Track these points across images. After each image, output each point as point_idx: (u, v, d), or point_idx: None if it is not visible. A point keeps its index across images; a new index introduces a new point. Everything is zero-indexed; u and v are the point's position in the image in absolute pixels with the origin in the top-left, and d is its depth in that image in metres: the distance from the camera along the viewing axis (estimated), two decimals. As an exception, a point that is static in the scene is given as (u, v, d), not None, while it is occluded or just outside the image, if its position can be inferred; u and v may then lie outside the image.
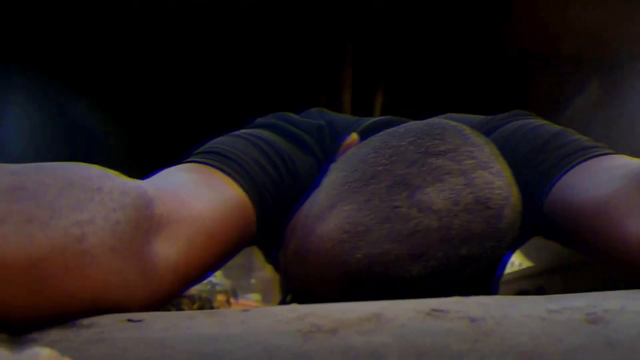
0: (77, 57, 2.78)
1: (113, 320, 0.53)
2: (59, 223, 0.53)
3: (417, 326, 0.47)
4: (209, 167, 0.93)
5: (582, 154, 0.90)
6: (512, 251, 0.87)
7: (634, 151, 0.97)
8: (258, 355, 0.45)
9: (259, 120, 1.19)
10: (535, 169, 0.95)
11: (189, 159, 0.96)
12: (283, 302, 1.07)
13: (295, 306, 0.55)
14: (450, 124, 0.81)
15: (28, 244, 0.50)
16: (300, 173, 1.07)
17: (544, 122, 1.07)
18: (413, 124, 0.83)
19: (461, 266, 0.73)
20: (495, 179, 0.75)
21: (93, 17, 2.68)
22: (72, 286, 0.54)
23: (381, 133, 0.84)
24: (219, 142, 1.02)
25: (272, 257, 1.21)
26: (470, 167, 0.75)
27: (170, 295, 0.73)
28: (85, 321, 0.53)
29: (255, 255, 1.28)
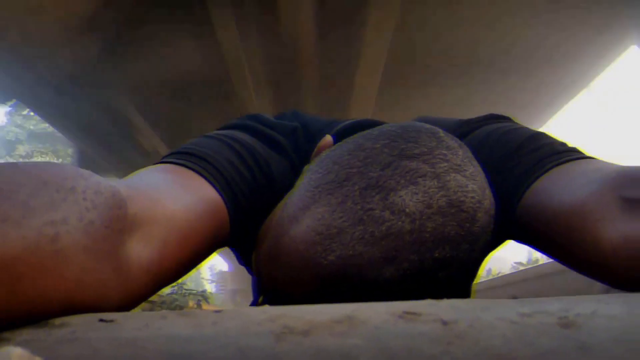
0: None
1: (85, 320, 0.53)
2: (32, 222, 0.53)
3: (390, 329, 0.47)
4: (182, 167, 0.93)
5: (556, 158, 0.91)
6: (486, 255, 0.88)
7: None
8: (230, 356, 0.45)
9: (233, 121, 1.19)
10: (510, 173, 0.95)
11: (163, 160, 0.96)
12: (255, 303, 1.07)
13: (267, 308, 0.55)
14: (425, 127, 0.81)
15: (1, 243, 0.50)
16: (274, 174, 1.07)
17: (519, 125, 1.08)
18: (387, 126, 0.83)
19: (434, 269, 0.74)
20: (468, 182, 0.76)
21: None
22: (46, 286, 0.54)
23: (355, 135, 0.84)
24: (193, 143, 1.02)
25: (246, 259, 1.21)
26: (444, 170, 0.75)
27: (144, 296, 0.73)
28: (57, 321, 0.53)
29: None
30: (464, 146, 0.83)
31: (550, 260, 1.00)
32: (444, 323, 0.48)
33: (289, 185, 0.90)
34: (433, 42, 6.25)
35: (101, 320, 0.52)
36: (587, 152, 0.93)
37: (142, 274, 0.70)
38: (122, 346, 0.47)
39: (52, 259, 0.54)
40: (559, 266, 0.92)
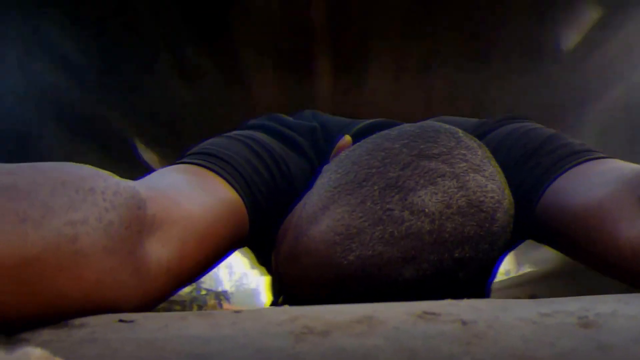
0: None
1: (105, 321, 0.53)
2: (52, 223, 0.53)
3: (409, 329, 0.47)
4: (201, 168, 0.93)
5: (574, 158, 0.90)
6: (505, 254, 0.87)
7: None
8: (249, 357, 0.45)
9: (252, 121, 1.20)
10: (528, 173, 0.95)
11: (181, 160, 0.97)
12: (275, 303, 1.07)
13: (287, 308, 0.54)
14: (444, 127, 0.81)
15: (21, 243, 0.50)
16: (293, 175, 1.07)
17: (538, 125, 1.07)
18: (406, 126, 0.83)
19: (454, 269, 0.73)
20: (488, 182, 0.76)
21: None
22: (65, 286, 0.54)
23: (374, 135, 0.84)
24: (212, 144, 1.02)
25: (264, 259, 1.22)
26: (463, 170, 0.75)
27: (163, 296, 0.73)
28: (77, 321, 0.53)
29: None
30: (483, 146, 0.83)
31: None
32: (464, 323, 0.47)
33: (307, 186, 0.90)
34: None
35: (121, 320, 0.52)
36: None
37: (161, 274, 0.70)
38: (141, 347, 0.47)
39: (71, 259, 0.54)
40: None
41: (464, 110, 2.34)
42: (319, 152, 1.15)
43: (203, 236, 0.80)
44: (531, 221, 0.93)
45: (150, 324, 0.51)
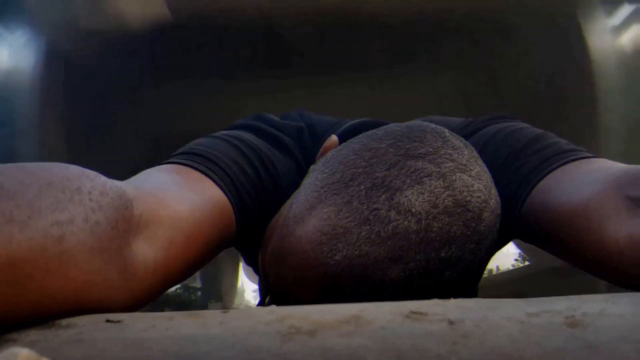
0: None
1: (92, 321, 0.53)
2: (38, 223, 0.53)
3: (396, 328, 0.47)
4: (188, 168, 0.93)
5: (561, 158, 0.90)
6: (492, 254, 0.87)
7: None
8: (237, 357, 0.45)
9: (239, 121, 1.19)
10: (515, 172, 0.95)
11: (168, 160, 0.97)
12: (262, 303, 1.07)
13: (274, 308, 0.54)
14: (430, 127, 0.81)
15: (7, 244, 0.50)
16: (280, 175, 1.07)
17: (524, 125, 1.07)
18: (393, 126, 0.83)
19: (440, 269, 0.73)
20: (474, 182, 0.76)
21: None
22: (52, 286, 0.54)
23: (361, 135, 0.84)
24: (199, 144, 1.02)
25: (252, 259, 1.21)
26: (450, 169, 0.75)
27: (151, 296, 0.72)
28: (64, 321, 0.53)
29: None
30: (470, 146, 0.83)
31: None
32: (451, 323, 0.47)
33: (294, 186, 0.90)
34: None
35: (108, 320, 0.52)
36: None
37: (148, 274, 0.70)
38: (128, 347, 0.47)
39: (58, 260, 0.54)
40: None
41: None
42: (305, 152, 1.15)
43: (190, 236, 0.80)
44: (518, 221, 0.94)
45: (138, 324, 0.51)
